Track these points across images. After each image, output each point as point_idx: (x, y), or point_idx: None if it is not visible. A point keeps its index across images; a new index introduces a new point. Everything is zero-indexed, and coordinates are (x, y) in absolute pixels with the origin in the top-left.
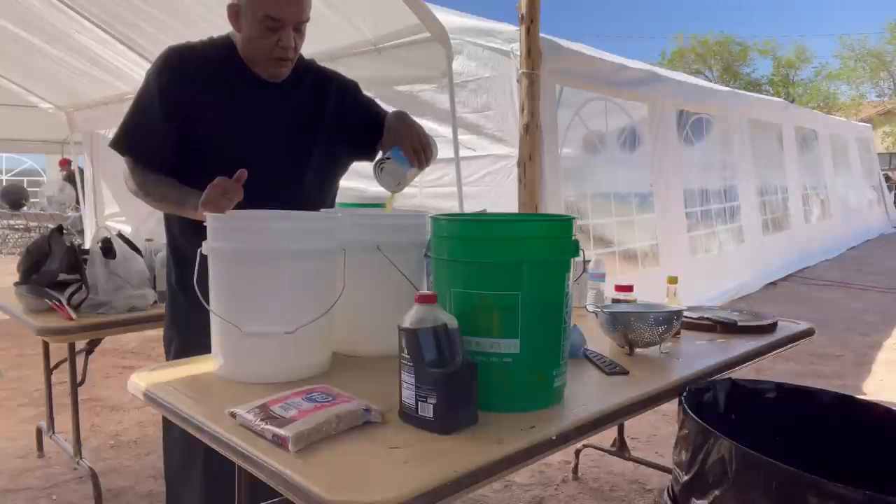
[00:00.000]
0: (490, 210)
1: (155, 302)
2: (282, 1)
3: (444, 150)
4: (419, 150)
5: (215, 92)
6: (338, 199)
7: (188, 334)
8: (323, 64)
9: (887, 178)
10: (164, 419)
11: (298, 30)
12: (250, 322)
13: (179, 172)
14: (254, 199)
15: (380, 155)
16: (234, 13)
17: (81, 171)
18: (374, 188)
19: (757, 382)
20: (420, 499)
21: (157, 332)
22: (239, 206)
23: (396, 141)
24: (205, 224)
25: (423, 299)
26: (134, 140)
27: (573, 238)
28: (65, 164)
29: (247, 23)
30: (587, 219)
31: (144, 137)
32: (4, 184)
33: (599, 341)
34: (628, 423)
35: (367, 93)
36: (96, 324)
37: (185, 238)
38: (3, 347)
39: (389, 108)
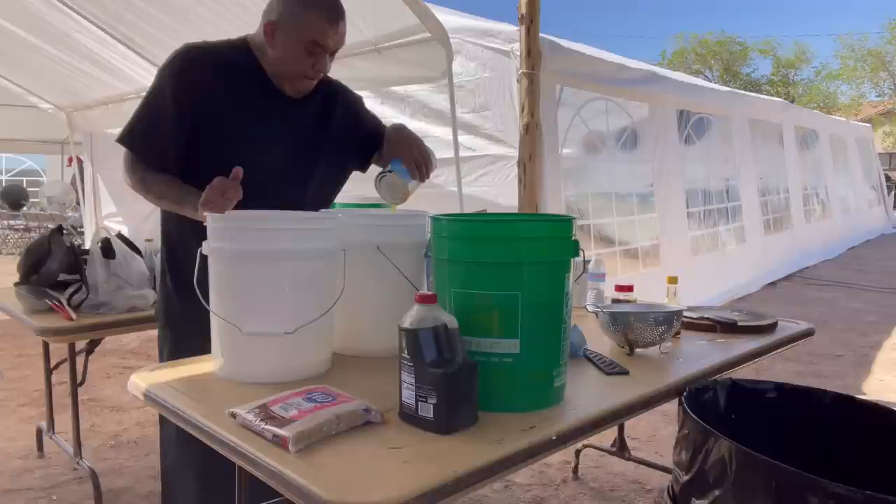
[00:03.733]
0: (490, 210)
1: (155, 302)
2: (329, 30)
3: (443, 150)
4: (420, 163)
5: (229, 97)
6: (338, 200)
7: (181, 334)
8: None
9: (887, 178)
10: (161, 417)
11: (334, 55)
12: (250, 322)
13: (185, 173)
14: (256, 206)
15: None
16: (271, 30)
17: (82, 171)
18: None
19: (757, 382)
20: (420, 499)
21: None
22: (239, 209)
23: (397, 153)
24: (204, 224)
25: (423, 299)
26: (141, 139)
27: (573, 238)
28: (79, 162)
29: (285, 42)
30: (588, 219)
31: (152, 138)
32: (4, 184)
33: (599, 341)
34: (628, 423)
35: (366, 93)
36: (96, 324)
37: (180, 239)
38: (3, 347)
39: (387, 109)
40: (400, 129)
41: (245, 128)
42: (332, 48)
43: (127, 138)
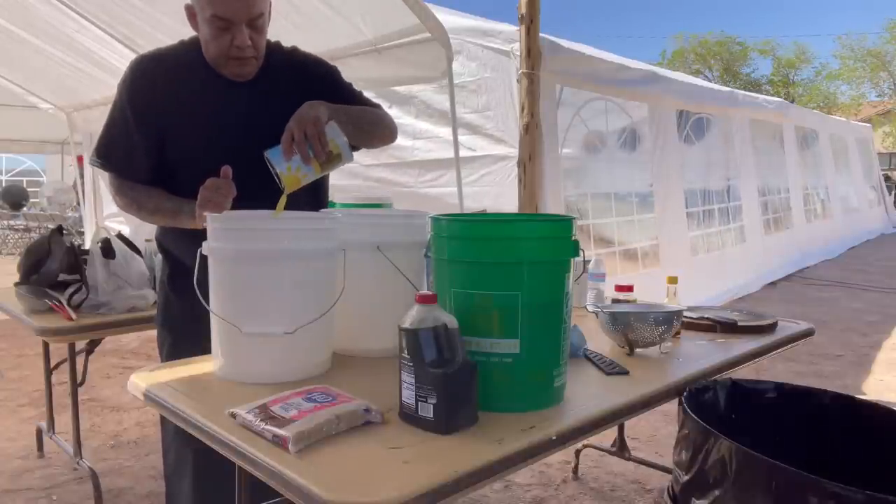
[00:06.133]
0: (490, 210)
1: (155, 302)
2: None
3: (444, 151)
4: (301, 142)
5: (185, 97)
6: (338, 200)
7: (181, 334)
8: None
9: (887, 178)
10: (162, 417)
11: (254, 26)
12: (250, 322)
13: (161, 182)
14: (239, 199)
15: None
16: (191, 15)
17: (82, 171)
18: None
19: (757, 382)
20: (420, 499)
21: None
22: (234, 205)
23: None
24: (203, 226)
25: (423, 299)
26: (112, 155)
27: (573, 238)
28: (80, 161)
29: (200, 25)
30: (587, 219)
31: (122, 152)
32: (4, 184)
33: (599, 341)
34: (628, 423)
35: (366, 93)
36: (96, 324)
37: (177, 239)
38: (3, 347)
39: (393, 110)
40: (304, 106)
41: (207, 122)
42: (240, 19)
43: (97, 155)
